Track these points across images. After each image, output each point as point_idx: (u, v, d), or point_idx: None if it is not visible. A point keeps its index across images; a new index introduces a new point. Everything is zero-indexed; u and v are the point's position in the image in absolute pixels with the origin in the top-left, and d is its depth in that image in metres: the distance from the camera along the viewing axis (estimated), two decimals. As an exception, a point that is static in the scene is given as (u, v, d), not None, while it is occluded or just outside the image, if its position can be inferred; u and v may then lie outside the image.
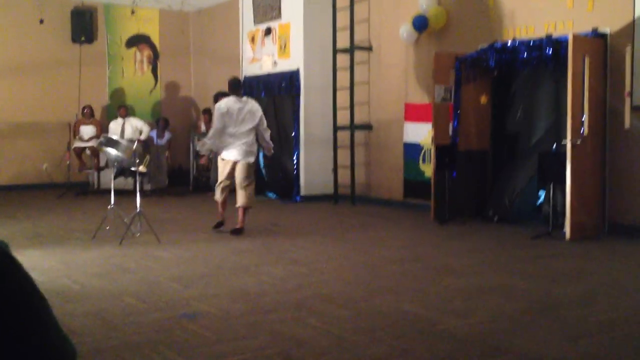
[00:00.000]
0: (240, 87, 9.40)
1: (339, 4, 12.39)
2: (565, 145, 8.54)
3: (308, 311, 5.31)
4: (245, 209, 9.14)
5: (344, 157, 12.50)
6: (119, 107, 15.09)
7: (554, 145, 9.46)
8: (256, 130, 9.19)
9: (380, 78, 12.37)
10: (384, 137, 12.37)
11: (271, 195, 13.63)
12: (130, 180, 13.16)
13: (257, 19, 13.99)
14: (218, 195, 9.29)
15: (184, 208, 12.14)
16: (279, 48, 13.49)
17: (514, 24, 10.02)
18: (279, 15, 13.42)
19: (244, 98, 9.28)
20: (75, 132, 14.77)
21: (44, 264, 7.22)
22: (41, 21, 15.17)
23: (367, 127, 12.55)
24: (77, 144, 14.58)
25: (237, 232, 9.01)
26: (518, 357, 4.31)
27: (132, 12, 16.40)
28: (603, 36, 8.89)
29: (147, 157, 9.70)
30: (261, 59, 13.95)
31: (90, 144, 14.32)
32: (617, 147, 8.90)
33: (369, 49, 12.46)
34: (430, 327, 4.89)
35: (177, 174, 15.82)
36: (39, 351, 1.18)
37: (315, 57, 12.91)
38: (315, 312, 5.26)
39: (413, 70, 11.69)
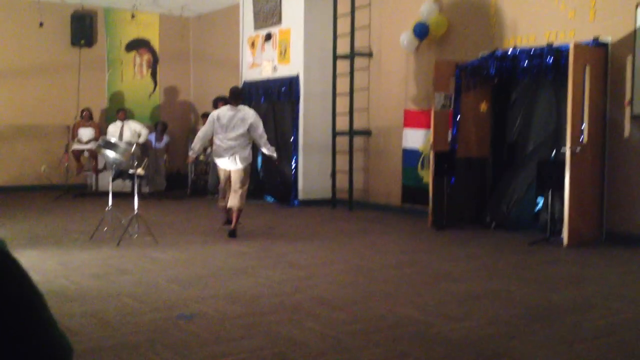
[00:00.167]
0: (237, 97, 9.50)
1: (339, 10, 12.41)
2: (564, 153, 8.55)
3: (305, 314, 5.31)
4: (239, 210, 9.30)
5: (342, 162, 12.52)
6: (118, 110, 15.10)
7: (553, 153, 9.47)
8: (251, 138, 9.29)
9: (380, 84, 12.39)
10: (383, 143, 12.39)
11: (269, 199, 13.63)
12: (128, 182, 13.16)
13: (258, 25, 14.01)
14: (220, 203, 9.65)
15: (181, 211, 12.14)
16: (279, 53, 13.51)
17: (515, 33, 10.05)
18: (279, 20, 13.45)
19: (240, 106, 9.38)
20: (74, 135, 14.78)
21: (42, 264, 7.21)
22: (41, 24, 15.19)
23: (367, 132, 12.57)
24: (76, 146, 14.58)
25: (232, 233, 9.13)
26: (515, 362, 4.31)
27: (132, 17, 16.43)
28: (604, 45, 8.91)
29: (146, 160, 9.71)
30: (261, 64, 13.98)
31: (88, 146, 14.33)
32: (616, 155, 8.91)
33: (370, 55, 12.49)
34: (426, 331, 4.89)
35: (175, 178, 15.84)
36: (36, 349, 1.18)
37: (315, 62, 12.93)
38: (312, 315, 5.26)
39: (413, 77, 11.71)
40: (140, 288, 6.16)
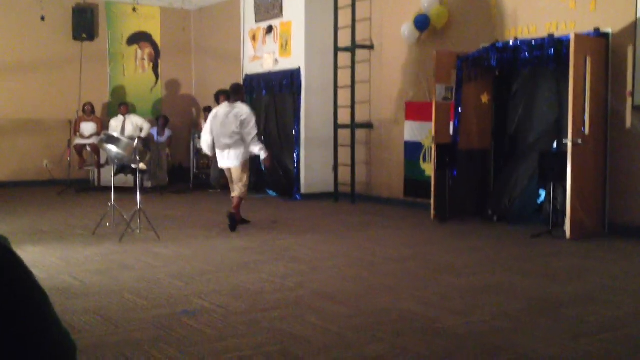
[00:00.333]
0: (236, 93, 9.63)
1: (340, 3, 12.38)
2: (566, 145, 8.54)
3: (308, 309, 5.31)
4: (240, 198, 9.53)
5: (344, 155, 12.50)
6: (120, 104, 15.09)
7: (555, 144, 9.46)
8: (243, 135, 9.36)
9: (381, 77, 12.37)
10: (384, 135, 12.37)
11: (271, 193, 13.64)
12: (130, 177, 13.17)
13: (259, 17, 13.99)
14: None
15: (184, 206, 12.14)
16: (280, 46, 13.49)
17: (516, 24, 10.02)
18: (280, 13, 13.42)
19: (237, 104, 9.42)
20: (76, 129, 14.78)
21: (44, 260, 7.23)
22: (42, 18, 15.16)
23: (368, 125, 12.56)
24: (78, 141, 14.58)
25: (231, 216, 9.28)
26: (517, 356, 4.31)
27: (134, 10, 16.39)
28: (605, 36, 8.89)
29: (148, 154, 9.71)
30: (262, 57, 13.96)
31: (90, 141, 14.32)
32: (618, 146, 8.90)
33: (371, 47, 12.46)
34: (429, 325, 4.90)
35: (177, 172, 15.84)
36: (39, 346, 1.18)
37: (316, 55, 12.91)
38: (315, 310, 5.27)
39: (414, 69, 11.69)
40: (143, 284, 6.17)
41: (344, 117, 12.38)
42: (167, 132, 15.37)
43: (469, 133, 10.32)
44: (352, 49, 12.20)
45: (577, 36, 8.48)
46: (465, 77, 10.20)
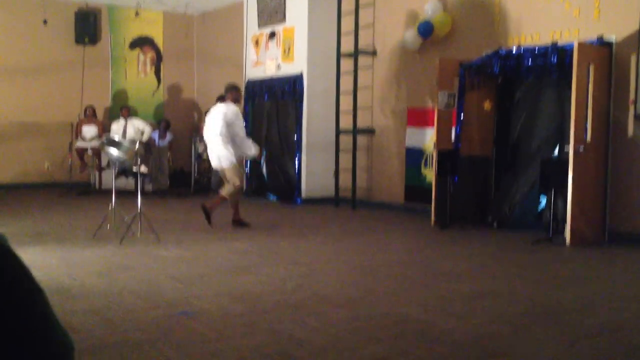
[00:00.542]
0: (229, 92, 9.64)
1: (343, 9, 12.41)
2: (567, 152, 8.54)
3: (307, 311, 5.30)
4: (224, 198, 9.57)
5: (345, 160, 12.51)
6: (122, 107, 15.12)
7: (556, 152, 9.46)
8: (229, 135, 9.38)
9: (383, 83, 12.39)
10: (386, 141, 12.38)
11: (272, 197, 13.64)
12: (131, 180, 13.18)
13: (262, 23, 14.02)
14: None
15: (184, 209, 12.13)
16: (283, 52, 13.51)
17: (519, 31, 10.04)
18: (283, 19, 13.45)
19: (227, 103, 9.48)
20: (77, 133, 14.80)
21: (45, 262, 7.22)
22: (45, 22, 15.20)
23: (370, 131, 12.57)
24: (79, 144, 14.61)
25: (203, 207, 9.43)
26: (517, 360, 4.30)
27: (136, 14, 16.44)
28: (608, 44, 8.89)
29: (150, 158, 9.74)
30: (265, 63, 13.98)
31: (92, 144, 14.35)
32: (619, 155, 8.90)
33: (373, 53, 12.48)
34: (429, 330, 4.88)
35: (178, 176, 15.84)
36: (37, 345, 1.17)
37: (319, 61, 12.93)
38: (314, 313, 5.26)
39: (417, 76, 11.70)
40: (143, 286, 6.17)
41: (346, 122, 12.40)
42: (169, 136, 15.39)
43: (470, 140, 10.32)
44: (355, 55, 12.22)
45: (580, 44, 8.49)
46: (467, 84, 10.21)
